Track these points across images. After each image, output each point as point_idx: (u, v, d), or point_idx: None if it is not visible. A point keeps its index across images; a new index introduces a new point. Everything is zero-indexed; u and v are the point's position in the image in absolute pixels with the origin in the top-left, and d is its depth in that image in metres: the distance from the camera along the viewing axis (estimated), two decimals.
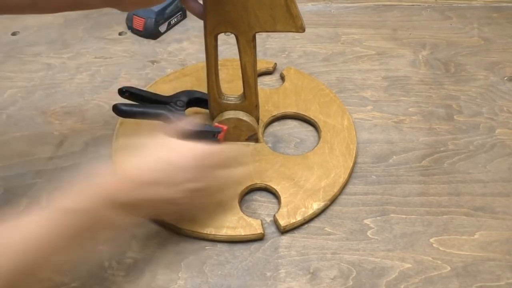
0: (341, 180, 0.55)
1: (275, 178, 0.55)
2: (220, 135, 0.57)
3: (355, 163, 0.58)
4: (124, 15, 0.82)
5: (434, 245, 0.51)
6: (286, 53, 0.76)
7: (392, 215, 0.53)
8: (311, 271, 0.48)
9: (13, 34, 0.80)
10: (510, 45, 0.78)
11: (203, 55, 0.53)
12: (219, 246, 0.51)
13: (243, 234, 0.50)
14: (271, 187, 0.55)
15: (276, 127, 0.64)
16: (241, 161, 0.51)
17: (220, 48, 0.51)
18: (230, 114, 0.56)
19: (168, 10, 0.79)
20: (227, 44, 0.74)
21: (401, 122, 0.64)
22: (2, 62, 0.74)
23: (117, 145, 0.59)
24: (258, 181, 0.55)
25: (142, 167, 0.44)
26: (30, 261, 0.38)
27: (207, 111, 0.60)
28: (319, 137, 0.61)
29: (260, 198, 0.55)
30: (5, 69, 0.73)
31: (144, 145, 0.45)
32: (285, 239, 0.51)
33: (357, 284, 0.47)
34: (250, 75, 0.53)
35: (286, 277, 0.48)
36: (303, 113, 0.64)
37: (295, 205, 0.53)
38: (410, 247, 0.50)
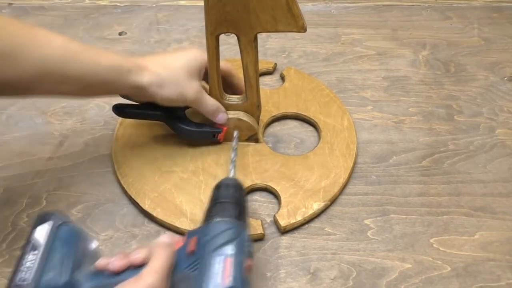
0: (341, 180, 0.55)
1: (275, 178, 0.55)
2: (220, 135, 0.57)
3: (355, 163, 0.58)
4: (124, 15, 0.82)
5: (434, 245, 0.51)
6: (286, 53, 0.76)
7: (392, 215, 0.53)
8: (311, 271, 0.48)
9: None
10: (510, 45, 0.78)
11: None
12: None
13: None
14: (271, 187, 0.55)
15: (276, 127, 0.64)
16: None
17: (220, 48, 0.51)
18: (230, 114, 0.56)
19: None
20: (227, 44, 0.74)
21: (401, 122, 0.64)
22: None
23: (117, 145, 0.59)
24: (258, 181, 0.55)
25: None
26: None
27: None
28: (319, 137, 0.61)
29: (260, 199, 0.55)
30: None
31: None
32: (285, 239, 0.51)
33: (357, 284, 0.47)
34: (252, 75, 0.53)
35: (286, 278, 0.48)
36: (303, 113, 0.64)
37: (295, 205, 0.53)
38: (410, 248, 0.50)
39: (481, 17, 0.85)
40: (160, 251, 0.38)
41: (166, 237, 0.41)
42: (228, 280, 0.37)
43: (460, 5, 0.88)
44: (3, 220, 0.52)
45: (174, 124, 0.56)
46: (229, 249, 0.39)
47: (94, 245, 0.41)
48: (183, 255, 0.40)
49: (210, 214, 0.44)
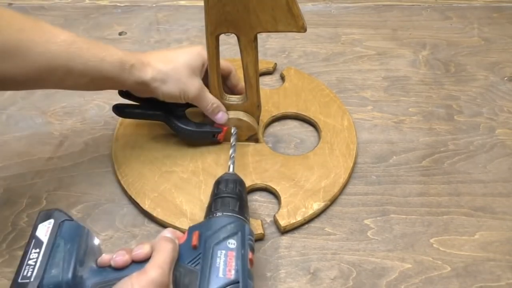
0: (341, 180, 0.55)
1: (275, 178, 0.55)
2: (220, 135, 0.57)
3: (355, 163, 0.58)
4: (124, 15, 0.82)
5: (434, 245, 0.51)
6: (286, 53, 0.76)
7: (392, 215, 0.53)
8: (311, 271, 0.48)
9: None
10: (510, 45, 0.78)
11: None
12: None
13: None
14: (271, 187, 0.55)
15: (276, 127, 0.64)
16: None
17: (220, 48, 0.51)
18: (230, 114, 0.56)
19: None
20: (227, 44, 0.74)
21: (401, 122, 0.64)
22: None
23: (117, 145, 0.59)
24: (258, 181, 0.55)
25: None
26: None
27: None
28: (319, 137, 0.61)
29: (260, 199, 0.55)
30: None
31: None
32: (285, 239, 0.51)
33: (357, 284, 0.47)
34: (252, 75, 0.53)
35: (286, 278, 0.48)
36: (303, 113, 0.64)
37: (295, 205, 0.53)
38: (410, 247, 0.50)
39: (481, 17, 0.84)
40: (163, 245, 0.38)
41: (168, 232, 0.41)
42: (231, 274, 0.38)
43: (460, 5, 0.88)
44: (3, 220, 0.52)
45: (174, 124, 0.56)
46: (232, 243, 0.40)
47: (96, 241, 0.41)
48: (186, 250, 0.40)
49: (211, 209, 0.44)
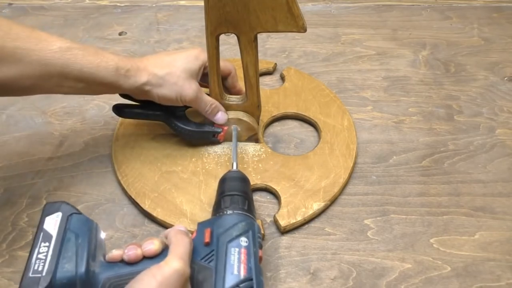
0: (341, 180, 0.55)
1: (275, 178, 0.55)
2: (220, 135, 0.57)
3: (355, 163, 0.58)
4: (124, 15, 0.82)
5: (434, 245, 0.51)
6: (286, 53, 0.76)
7: (392, 215, 0.53)
8: (311, 271, 0.48)
9: None
10: (510, 45, 0.78)
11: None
12: None
13: None
14: (271, 187, 0.55)
15: (276, 127, 0.64)
16: None
17: (220, 48, 0.51)
18: (230, 115, 0.56)
19: None
20: (227, 44, 0.74)
21: (401, 122, 0.64)
22: None
23: (117, 145, 0.59)
24: (258, 181, 0.55)
25: None
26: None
27: None
28: (319, 137, 0.61)
29: (260, 199, 0.55)
30: None
31: None
32: (285, 239, 0.51)
33: (357, 284, 0.47)
34: (252, 75, 0.53)
35: (286, 278, 0.48)
36: (303, 113, 0.64)
37: (295, 206, 0.53)
38: (410, 247, 0.50)
39: (481, 17, 0.85)
40: (180, 238, 0.39)
41: (181, 226, 0.42)
42: (245, 271, 0.38)
43: (460, 5, 0.88)
44: (3, 220, 0.52)
45: (174, 124, 0.56)
46: (244, 241, 0.40)
47: (102, 235, 0.41)
48: (198, 246, 0.41)
49: (220, 206, 0.45)
